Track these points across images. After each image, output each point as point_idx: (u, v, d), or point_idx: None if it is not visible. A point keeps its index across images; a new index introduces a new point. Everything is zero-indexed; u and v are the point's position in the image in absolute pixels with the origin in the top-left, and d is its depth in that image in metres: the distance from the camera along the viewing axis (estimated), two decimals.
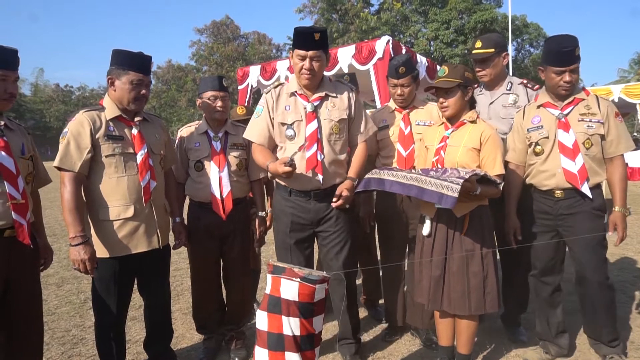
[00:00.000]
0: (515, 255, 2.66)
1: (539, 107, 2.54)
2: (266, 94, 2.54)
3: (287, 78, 8.63)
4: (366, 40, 8.53)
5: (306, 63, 2.36)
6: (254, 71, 9.32)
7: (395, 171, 2.29)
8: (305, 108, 2.45)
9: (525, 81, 2.93)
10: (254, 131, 2.53)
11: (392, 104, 2.91)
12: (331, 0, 26.11)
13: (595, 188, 2.45)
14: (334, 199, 2.42)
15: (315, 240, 2.64)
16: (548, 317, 2.64)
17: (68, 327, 3.27)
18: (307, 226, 2.52)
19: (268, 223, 2.94)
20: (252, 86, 7.59)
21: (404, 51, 8.30)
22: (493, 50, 2.80)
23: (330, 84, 2.54)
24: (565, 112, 2.44)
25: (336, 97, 2.50)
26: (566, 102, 2.46)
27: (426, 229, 2.38)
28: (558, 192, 2.47)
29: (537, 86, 2.90)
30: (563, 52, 2.36)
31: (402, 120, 2.80)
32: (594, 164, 2.42)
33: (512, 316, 2.97)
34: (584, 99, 2.46)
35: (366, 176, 2.39)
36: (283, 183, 2.51)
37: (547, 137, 2.47)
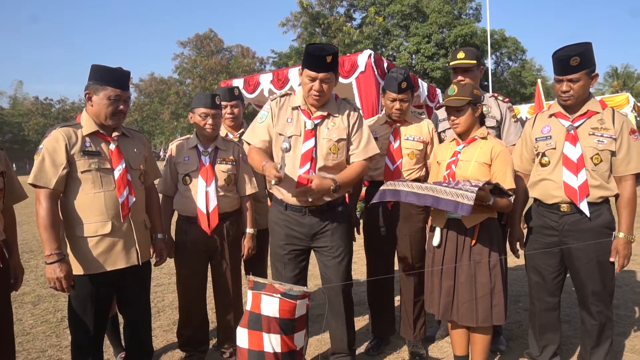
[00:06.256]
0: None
1: (550, 116, 2.43)
2: (272, 100, 2.53)
3: (270, 91, 8.68)
4: (348, 54, 8.61)
5: (316, 84, 2.34)
6: (237, 84, 9.30)
7: (409, 182, 2.31)
8: (305, 124, 2.43)
9: (495, 94, 3.00)
10: (254, 135, 2.51)
11: (382, 116, 2.91)
12: (314, 14, 26.36)
13: (604, 203, 2.30)
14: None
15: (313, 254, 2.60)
16: (544, 340, 2.53)
17: (44, 348, 3.17)
18: (301, 240, 2.50)
19: None
20: None
21: (385, 64, 8.44)
22: (475, 62, 2.86)
23: (334, 103, 2.50)
24: (576, 124, 2.31)
25: (337, 116, 2.47)
26: (578, 113, 2.32)
27: (436, 239, 2.41)
28: (564, 205, 2.32)
29: (507, 99, 2.98)
30: (559, 59, 2.26)
31: (392, 134, 2.81)
32: (602, 179, 2.26)
33: (493, 325, 2.99)
34: (598, 112, 2.30)
35: (381, 188, 2.38)
36: (279, 197, 2.49)
37: (555, 149, 2.34)
